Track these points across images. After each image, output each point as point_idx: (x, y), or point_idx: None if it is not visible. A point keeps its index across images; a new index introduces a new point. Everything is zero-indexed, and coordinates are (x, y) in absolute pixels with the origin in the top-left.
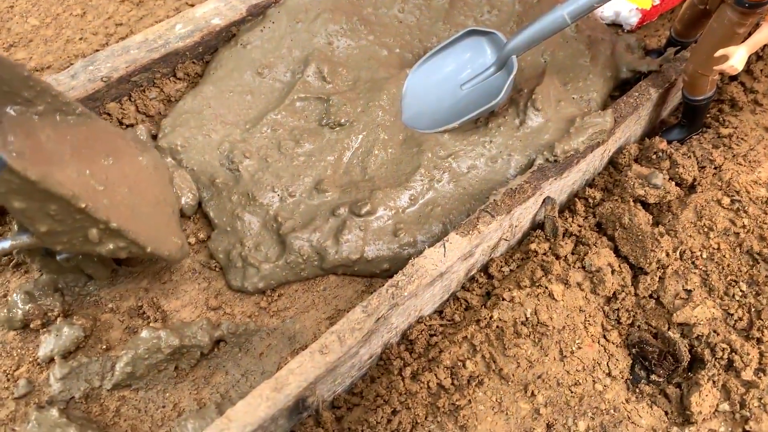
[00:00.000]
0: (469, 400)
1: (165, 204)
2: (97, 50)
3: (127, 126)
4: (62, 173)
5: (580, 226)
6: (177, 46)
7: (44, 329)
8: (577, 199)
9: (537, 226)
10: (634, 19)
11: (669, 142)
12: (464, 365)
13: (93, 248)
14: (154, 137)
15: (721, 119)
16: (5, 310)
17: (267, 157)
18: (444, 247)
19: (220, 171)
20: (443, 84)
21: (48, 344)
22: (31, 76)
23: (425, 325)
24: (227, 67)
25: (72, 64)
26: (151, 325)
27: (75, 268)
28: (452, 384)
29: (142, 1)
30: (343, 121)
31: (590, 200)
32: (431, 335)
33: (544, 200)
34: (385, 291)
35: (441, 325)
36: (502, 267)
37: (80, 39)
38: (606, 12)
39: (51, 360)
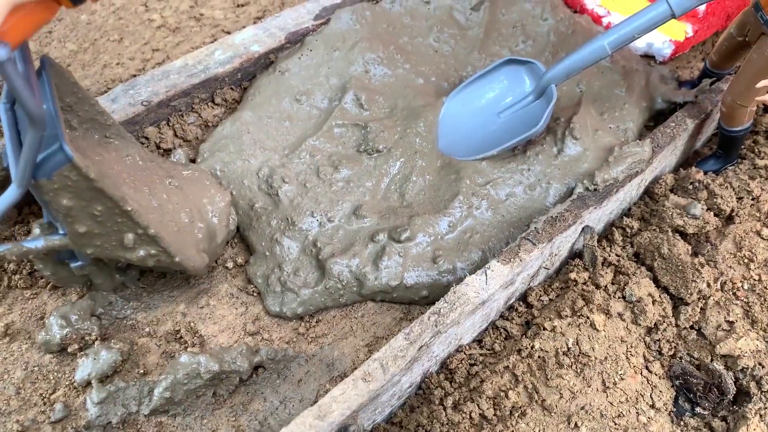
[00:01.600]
0: (513, 431)
1: (196, 219)
2: (135, 75)
3: (165, 150)
4: (110, 177)
5: (618, 255)
6: (216, 71)
7: (81, 353)
8: (614, 228)
9: (575, 255)
10: (667, 51)
11: (704, 173)
12: (506, 395)
13: (124, 254)
14: (192, 161)
15: (756, 150)
16: (42, 333)
17: (306, 183)
18: (486, 274)
19: (259, 196)
20: (481, 112)
21: (85, 368)
22: (76, 82)
23: (465, 354)
24: (265, 94)
25: (110, 88)
26: (189, 350)
27: (84, 277)
28: (494, 415)
29: (179, 27)
30: (381, 147)
31: (627, 230)
32: (471, 365)
33: (583, 229)
34: (428, 318)
35: (481, 355)
36: (541, 296)
37: (117, 64)
38: (638, 43)
39: (88, 384)
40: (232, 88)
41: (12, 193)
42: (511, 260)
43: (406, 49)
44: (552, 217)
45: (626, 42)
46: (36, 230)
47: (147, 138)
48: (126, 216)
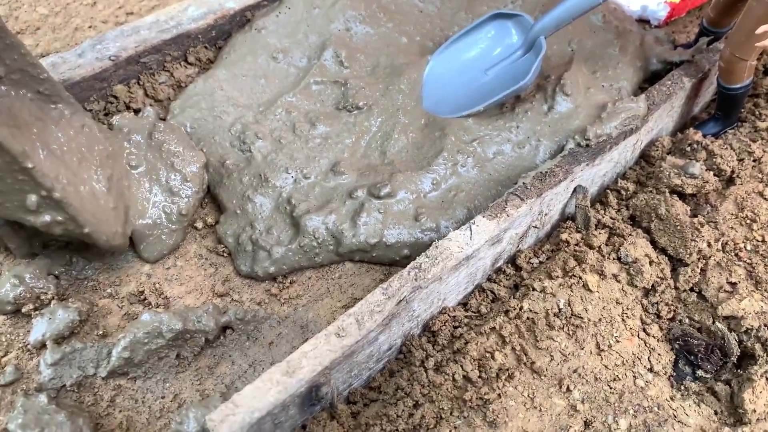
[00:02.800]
0: (499, 395)
1: (117, 192)
2: None
3: (135, 110)
4: (13, 131)
5: (612, 218)
6: (189, 27)
7: (36, 312)
8: (609, 191)
9: (567, 217)
10: (662, 13)
11: (703, 136)
12: (493, 357)
13: (26, 216)
14: (163, 119)
15: (757, 113)
16: None
17: (281, 139)
18: (470, 229)
19: (230, 152)
20: (467, 69)
21: (40, 328)
22: (3, 27)
23: (449, 316)
24: (241, 52)
25: None
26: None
27: None
28: (480, 377)
29: None
30: (361, 104)
31: (623, 192)
32: (455, 327)
33: (575, 189)
34: (407, 273)
35: (466, 317)
36: (531, 258)
37: (89, 27)
38: (633, 6)
39: (42, 345)
40: (206, 47)
41: None
42: (498, 215)
43: (389, 9)
44: (541, 172)
45: None
46: None
47: (116, 97)
48: (26, 174)
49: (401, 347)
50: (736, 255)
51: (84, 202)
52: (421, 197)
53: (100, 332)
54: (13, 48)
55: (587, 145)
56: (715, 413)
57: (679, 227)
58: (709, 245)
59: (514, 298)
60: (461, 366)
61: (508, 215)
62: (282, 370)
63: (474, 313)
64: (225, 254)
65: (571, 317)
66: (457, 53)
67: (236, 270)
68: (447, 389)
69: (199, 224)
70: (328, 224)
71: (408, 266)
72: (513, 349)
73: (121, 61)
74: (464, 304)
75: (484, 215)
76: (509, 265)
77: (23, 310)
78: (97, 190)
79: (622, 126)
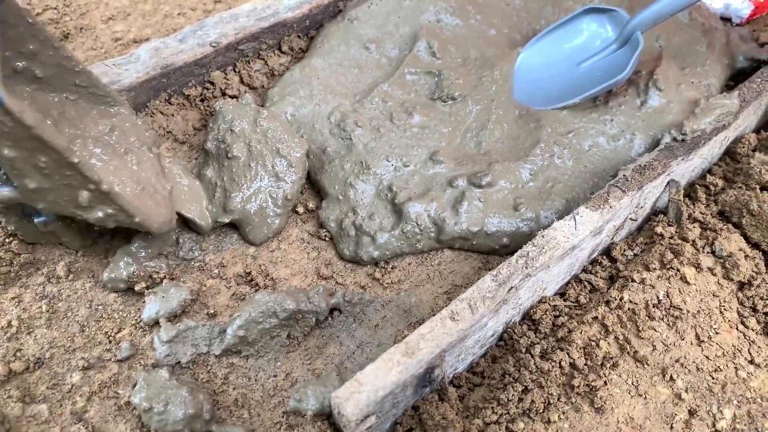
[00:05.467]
0: (605, 382)
1: (159, 180)
2: None
3: (231, 96)
4: (56, 126)
5: (702, 213)
6: (285, 16)
7: (149, 291)
8: (697, 187)
9: (658, 211)
10: (746, 11)
11: None
12: (598, 345)
13: (80, 212)
14: (260, 106)
15: None
16: (107, 271)
17: (379, 127)
18: (575, 219)
19: (330, 139)
20: (560, 61)
21: (153, 306)
22: (35, 23)
23: (549, 305)
24: (334, 41)
25: None
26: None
27: (52, 234)
28: (585, 364)
29: None
30: (456, 95)
31: (711, 188)
32: (556, 316)
33: (668, 183)
34: (515, 261)
35: (566, 306)
36: (625, 251)
37: (179, 14)
38: (715, 4)
39: (155, 323)
40: (299, 36)
41: None
42: (601, 207)
43: (477, 1)
44: (640, 165)
45: None
46: None
47: (212, 83)
48: (73, 169)
49: (502, 334)
50: None
51: (132, 193)
52: (520, 187)
53: (210, 311)
54: (47, 43)
55: (683, 140)
56: None
57: None
58: None
59: (613, 288)
60: (567, 353)
61: (610, 207)
62: (401, 351)
63: (573, 302)
64: (327, 238)
65: (670, 308)
66: (549, 46)
67: (338, 254)
68: (555, 375)
69: (300, 209)
70: (430, 212)
71: (515, 254)
72: (616, 338)
73: (221, 48)
74: (561, 294)
75: (586, 206)
76: (604, 257)
77: (136, 288)
78: (144, 179)
79: (715, 122)
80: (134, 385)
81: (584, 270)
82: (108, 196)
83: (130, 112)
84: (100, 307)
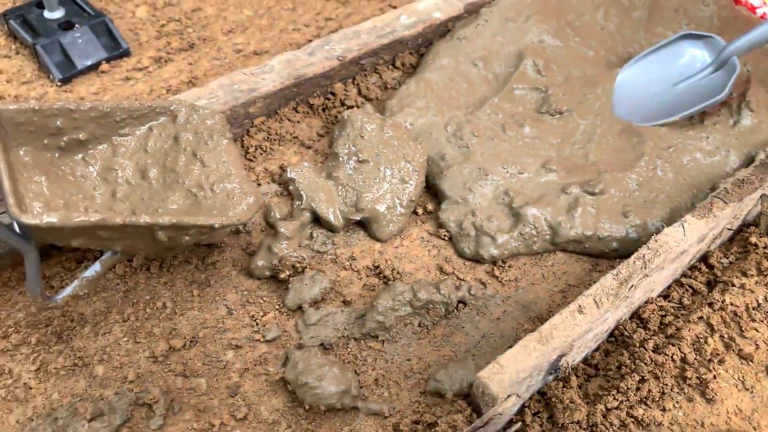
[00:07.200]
0: (714, 375)
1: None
2: (310, 40)
3: (348, 107)
4: (83, 203)
5: None
6: (402, 34)
7: (292, 278)
8: None
9: (749, 223)
10: None
11: None
12: (706, 342)
13: (172, 245)
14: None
15: None
16: (255, 260)
17: (494, 137)
18: (683, 227)
19: (448, 147)
20: (658, 82)
21: (297, 292)
22: (38, 108)
23: (656, 305)
24: (445, 59)
25: (287, 51)
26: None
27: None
28: (695, 359)
29: (348, 0)
30: (563, 109)
31: None
32: (663, 315)
33: (761, 197)
34: (633, 262)
35: (671, 307)
36: (721, 258)
37: (293, 30)
38: None
39: (298, 308)
40: (411, 53)
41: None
42: (706, 216)
43: (575, 25)
44: (739, 179)
45: None
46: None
47: (333, 94)
48: (124, 227)
49: (613, 331)
50: None
51: (194, 207)
52: (627, 196)
53: (346, 299)
54: (65, 111)
55: None
56: None
57: None
58: None
59: (715, 291)
60: (678, 348)
61: (714, 216)
62: (536, 338)
63: (677, 304)
64: (445, 238)
65: None
66: (647, 67)
67: (457, 252)
68: (669, 368)
69: (420, 210)
70: (546, 216)
71: (633, 256)
72: (721, 336)
73: (345, 62)
74: (665, 296)
75: (693, 215)
76: (702, 263)
77: (280, 276)
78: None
79: None
80: (284, 363)
81: (684, 275)
82: (175, 226)
83: (187, 106)
84: (246, 293)
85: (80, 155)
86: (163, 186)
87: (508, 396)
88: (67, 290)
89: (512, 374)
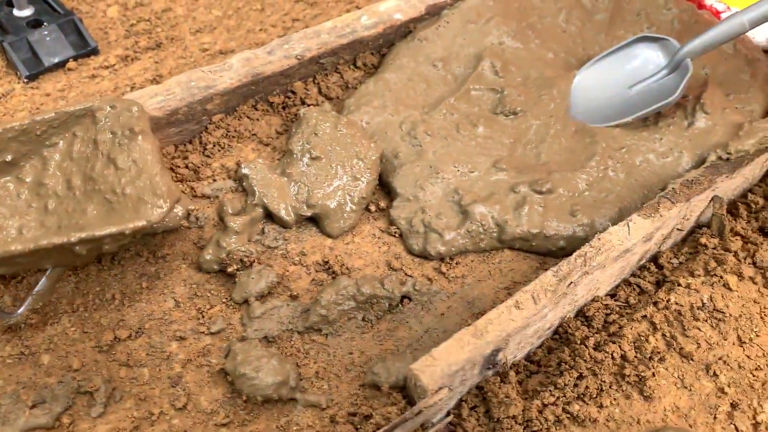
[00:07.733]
0: (653, 373)
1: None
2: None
3: (309, 105)
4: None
5: (743, 228)
6: (363, 34)
7: (239, 272)
8: (738, 204)
9: (701, 225)
10: None
11: None
12: (647, 340)
13: (99, 253)
14: (338, 113)
15: None
16: (203, 254)
17: (447, 137)
18: (628, 226)
19: (401, 146)
20: (614, 84)
21: (243, 286)
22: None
23: (601, 303)
24: (405, 59)
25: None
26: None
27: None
28: (635, 357)
29: (317, 2)
30: (517, 110)
31: (752, 205)
32: (607, 314)
33: (712, 198)
34: (574, 259)
35: (617, 305)
36: (671, 259)
37: (260, 30)
38: (758, 37)
39: (244, 302)
40: (372, 54)
41: None
42: (652, 215)
43: (536, 27)
44: (688, 180)
45: (766, 19)
46: None
47: (294, 92)
48: (41, 251)
49: (557, 328)
50: None
51: (98, 217)
52: (576, 195)
53: (293, 293)
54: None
55: (728, 159)
56: None
57: None
58: None
59: (660, 291)
60: (619, 346)
61: (660, 215)
62: (471, 332)
63: (623, 303)
64: (396, 235)
65: (713, 311)
66: (604, 69)
67: (407, 249)
68: (608, 365)
69: (372, 208)
70: (494, 213)
71: (575, 253)
72: (663, 335)
73: (304, 61)
74: (612, 295)
75: (639, 214)
76: (651, 264)
77: (228, 270)
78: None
79: (758, 144)
80: (226, 355)
81: (633, 275)
82: (83, 240)
83: (107, 101)
84: (194, 286)
85: (13, 175)
86: (84, 195)
87: (440, 388)
88: (24, 306)
89: (444, 367)
